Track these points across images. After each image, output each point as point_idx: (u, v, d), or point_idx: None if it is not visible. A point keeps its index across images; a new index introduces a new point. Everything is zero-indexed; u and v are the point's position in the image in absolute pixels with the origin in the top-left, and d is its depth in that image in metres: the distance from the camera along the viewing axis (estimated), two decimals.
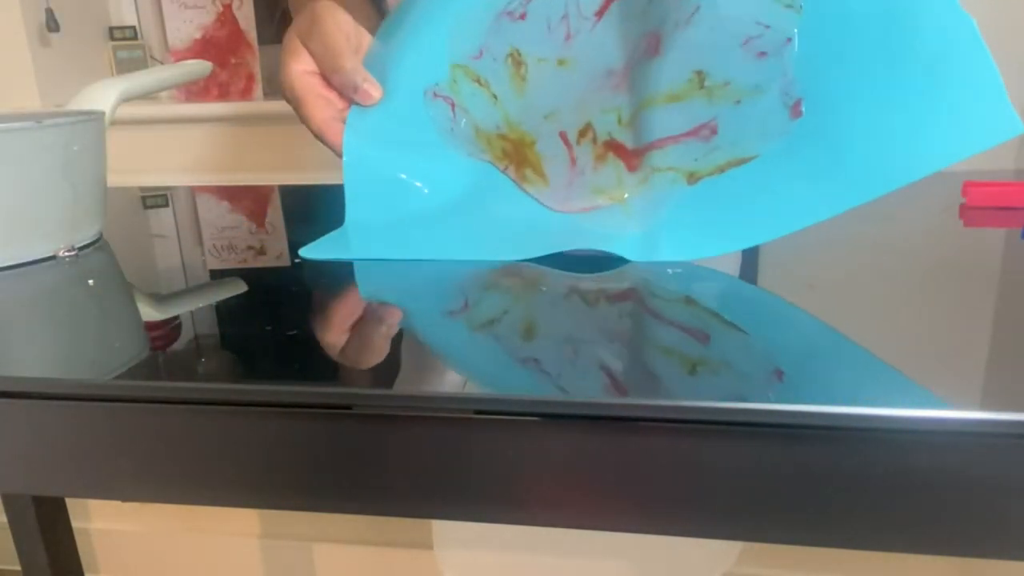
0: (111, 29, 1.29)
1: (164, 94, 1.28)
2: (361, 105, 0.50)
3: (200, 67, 0.63)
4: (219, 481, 0.31)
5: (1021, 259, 0.42)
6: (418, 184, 0.48)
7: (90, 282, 0.43)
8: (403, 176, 0.49)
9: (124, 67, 1.27)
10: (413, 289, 0.41)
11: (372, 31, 0.54)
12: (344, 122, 0.50)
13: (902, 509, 0.26)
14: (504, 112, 0.50)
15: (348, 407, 0.29)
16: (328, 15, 0.51)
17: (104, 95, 0.54)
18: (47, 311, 0.39)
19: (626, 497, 0.28)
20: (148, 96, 0.62)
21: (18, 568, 0.92)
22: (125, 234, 0.57)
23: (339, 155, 0.49)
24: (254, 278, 0.45)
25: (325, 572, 1.39)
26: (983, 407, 0.25)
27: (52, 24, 1.14)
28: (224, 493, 0.31)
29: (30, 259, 0.46)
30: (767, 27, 0.42)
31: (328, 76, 0.51)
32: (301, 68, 0.50)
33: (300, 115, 0.51)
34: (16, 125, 0.44)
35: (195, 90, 1.24)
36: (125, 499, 0.32)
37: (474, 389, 0.29)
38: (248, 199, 0.69)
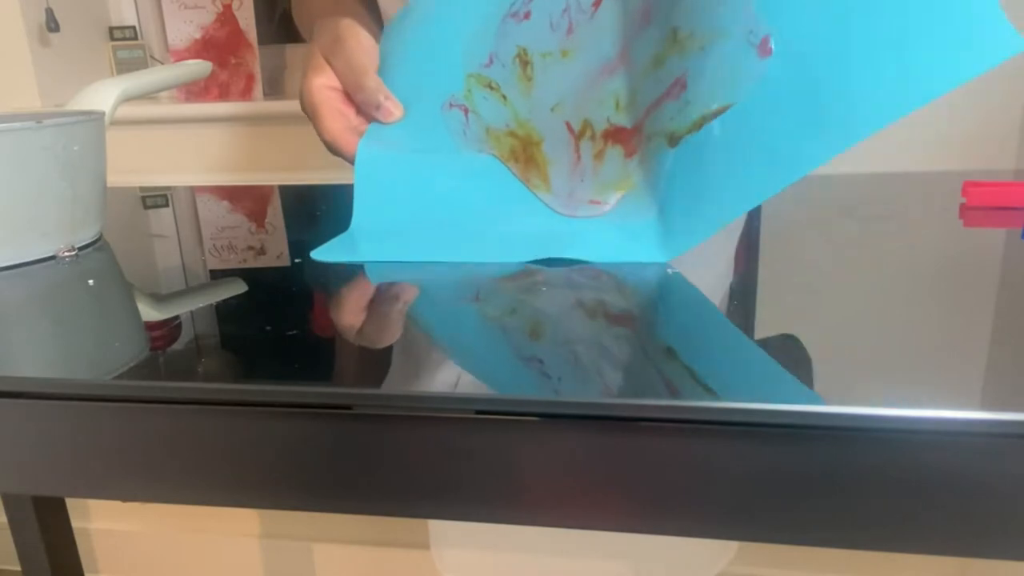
0: (111, 29, 1.29)
1: (164, 94, 1.28)
2: (381, 122, 0.51)
3: (200, 67, 0.63)
4: (219, 481, 0.31)
5: (1021, 259, 0.42)
6: (428, 186, 0.48)
7: (90, 282, 0.43)
8: (414, 178, 0.49)
9: (124, 67, 1.27)
10: (413, 289, 0.41)
11: (376, 39, 0.55)
12: (357, 134, 0.51)
13: (901, 509, 0.26)
14: (513, 110, 0.50)
15: (348, 407, 0.29)
16: (351, 34, 0.52)
17: (104, 95, 0.54)
18: (47, 311, 0.39)
19: (626, 497, 0.28)
20: (148, 96, 0.62)
21: (18, 568, 0.92)
22: (125, 234, 0.57)
23: (351, 163, 0.50)
24: (254, 278, 0.45)
25: (325, 572, 1.39)
26: (983, 407, 0.25)
27: (52, 24, 1.14)
28: (224, 493, 0.31)
29: (30, 259, 0.46)
30: None
31: (351, 93, 0.52)
32: (321, 82, 0.52)
33: (316, 125, 0.52)
34: (16, 125, 0.44)
35: (195, 90, 1.24)
36: (125, 499, 0.32)
37: (474, 389, 0.29)
38: (248, 199, 0.69)
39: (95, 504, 1.44)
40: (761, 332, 0.34)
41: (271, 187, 0.75)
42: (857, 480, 0.26)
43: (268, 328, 0.36)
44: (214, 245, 0.52)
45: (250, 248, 0.50)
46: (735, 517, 0.27)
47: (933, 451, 0.25)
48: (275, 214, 0.62)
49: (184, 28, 1.23)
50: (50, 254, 0.47)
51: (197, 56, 1.20)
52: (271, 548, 1.40)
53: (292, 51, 1.30)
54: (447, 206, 0.47)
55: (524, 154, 0.48)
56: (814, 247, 0.47)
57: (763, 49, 0.39)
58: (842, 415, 0.25)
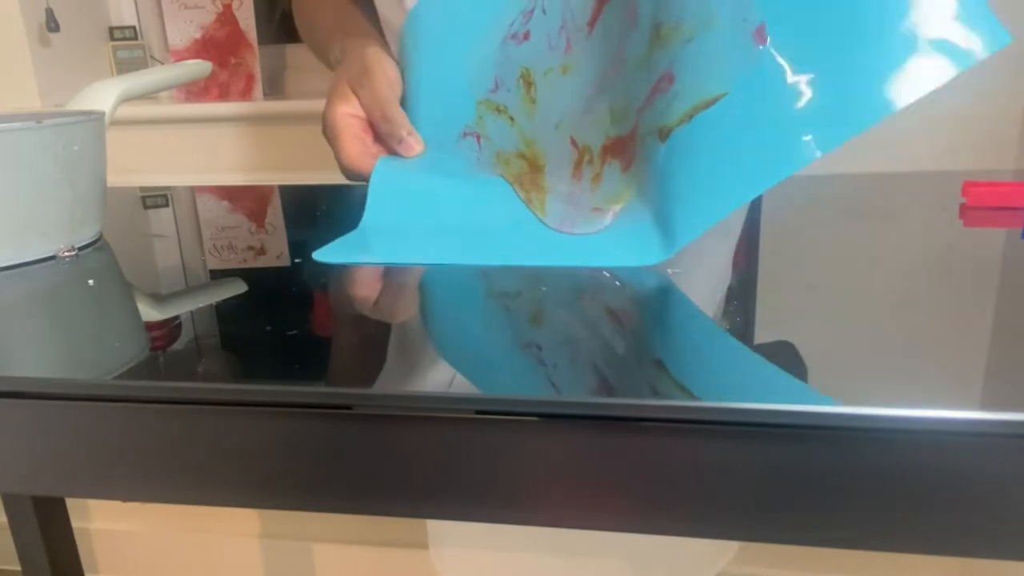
0: (111, 29, 1.29)
1: (164, 94, 1.28)
2: (402, 155, 0.52)
3: (200, 67, 0.63)
4: (219, 481, 0.31)
5: (1021, 259, 0.42)
6: (438, 196, 0.48)
7: (90, 282, 0.43)
8: (425, 188, 0.49)
9: (124, 67, 1.27)
10: (413, 289, 0.41)
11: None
12: (375, 158, 0.52)
13: (901, 509, 0.26)
14: (520, 131, 0.50)
15: (348, 407, 0.29)
16: (379, 66, 0.55)
17: (104, 95, 0.54)
18: (47, 311, 0.39)
19: (626, 497, 0.28)
20: (148, 96, 0.62)
21: (18, 568, 0.92)
22: (125, 234, 0.57)
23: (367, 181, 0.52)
24: (254, 278, 0.45)
25: (325, 572, 1.39)
26: (983, 407, 0.25)
27: (52, 24, 1.14)
28: (224, 493, 0.31)
29: (30, 259, 0.46)
30: None
31: (375, 124, 0.54)
32: (345, 110, 0.54)
33: (335, 149, 0.54)
34: (16, 125, 0.44)
35: (195, 90, 1.24)
36: (125, 499, 0.32)
37: (474, 389, 0.29)
38: (248, 199, 0.69)
39: (95, 504, 1.44)
40: (761, 332, 0.34)
41: (271, 187, 0.75)
42: (857, 480, 0.26)
43: (268, 328, 0.36)
44: (214, 245, 0.52)
45: (250, 248, 0.50)
46: (735, 517, 0.27)
47: (933, 451, 0.25)
48: (275, 214, 0.62)
49: (184, 28, 1.23)
50: (50, 254, 0.47)
51: (197, 56, 1.20)
52: (271, 548, 1.40)
53: (292, 51, 1.30)
54: (453, 214, 0.47)
55: (529, 178, 0.48)
56: (814, 247, 0.47)
57: (759, 36, 0.38)
58: (842, 415, 0.25)
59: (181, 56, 1.23)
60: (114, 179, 0.56)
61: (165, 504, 1.00)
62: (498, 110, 0.52)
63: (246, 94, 1.25)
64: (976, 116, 0.97)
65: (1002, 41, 0.36)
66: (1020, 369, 0.29)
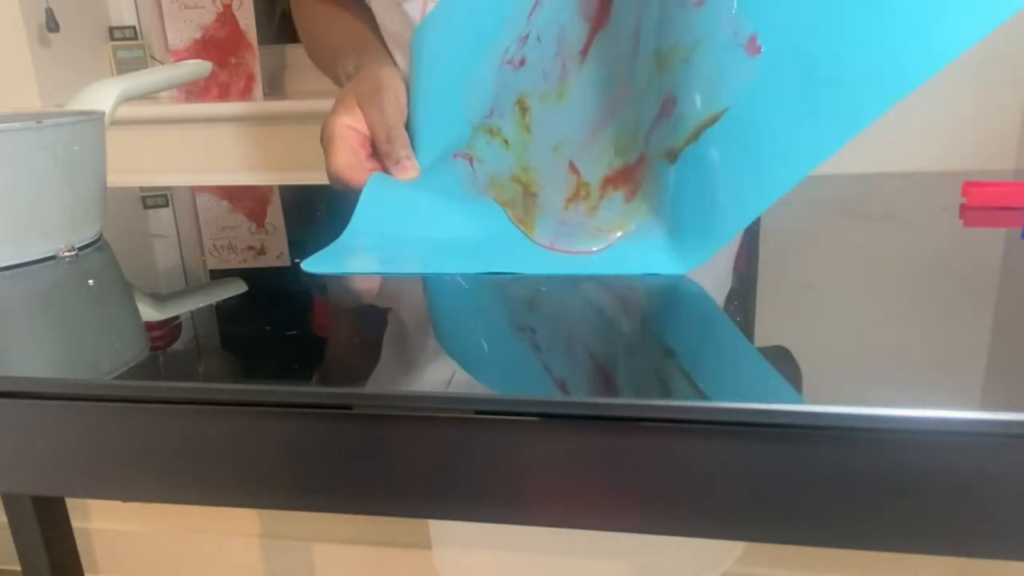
0: (111, 29, 1.29)
1: (164, 94, 1.28)
2: (395, 177, 0.53)
3: (200, 67, 0.63)
4: (219, 481, 0.31)
5: (1021, 259, 0.42)
6: (428, 210, 0.48)
7: (90, 282, 0.43)
8: (416, 203, 0.49)
9: (124, 67, 1.27)
10: (413, 289, 0.41)
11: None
12: (365, 171, 0.53)
13: (901, 509, 0.26)
14: (516, 154, 0.50)
15: (348, 407, 0.29)
16: (390, 87, 0.56)
17: (104, 95, 0.54)
18: (47, 311, 0.39)
19: (626, 497, 0.28)
20: (148, 96, 0.62)
21: (18, 568, 0.92)
22: (125, 234, 0.57)
23: (352, 195, 0.52)
24: (254, 278, 0.45)
25: (325, 572, 1.39)
26: (983, 407, 0.25)
27: (52, 24, 1.14)
28: (224, 493, 0.31)
29: (30, 259, 0.46)
30: None
31: (377, 143, 0.55)
32: (346, 122, 0.55)
33: (328, 155, 0.55)
34: (16, 125, 0.44)
35: (195, 90, 1.24)
36: (125, 499, 0.32)
37: (474, 389, 0.29)
38: (248, 199, 0.69)
39: (95, 504, 1.44)
40: (760, 333, 0.34)
41: (271, 187, 0.75)
42: (857, 480, 0.26)
43: (268, 328, 0.36)
44: (214, 245, 0.52)
45: (250, 248, 0.50)
46: (734, 517, 0.27)
47: (933, 451, 0.25)
48: (275, 214, 0.62)
49: (184, 28, 1.23)
50: (50, 254, 0.47)
51: (197, 56, 1.20)
52: (271, 548, 1.40)
53: (292, 51, 1.30)
54: (442, 227, 0.47)
55: (522, 203, 0.48)
56: (814, 247, 0.47)
57: (751, 48, 0.38)
58: (842, 415, 0.25)
59: (181, 56, 1.23)
60: (114, 179, 0.56)
61: (165, 504, 1.00)
62: (491, 132, 0.52)
63: (246, 94, 1.25)
64: (976, 116, 0.97)
65: (1014, 5, 0.34)
66: (1020, 369, 0.29)
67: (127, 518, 1.44)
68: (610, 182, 0.45)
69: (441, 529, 0.78)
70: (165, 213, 0.64)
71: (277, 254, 0.49)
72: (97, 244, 0.51)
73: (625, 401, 0.27)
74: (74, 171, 0.47)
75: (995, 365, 0.29)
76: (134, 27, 1.30)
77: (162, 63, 1.30)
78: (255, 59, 1.23)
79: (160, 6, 1.23)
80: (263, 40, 1.24)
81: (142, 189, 0.75)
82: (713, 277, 0.41)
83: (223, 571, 1.43)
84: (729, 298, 0.39)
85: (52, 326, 0.37)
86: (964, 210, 0.52)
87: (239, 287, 0.42)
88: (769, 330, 0.34)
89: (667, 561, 0.71)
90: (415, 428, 0.28)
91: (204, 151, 1.22)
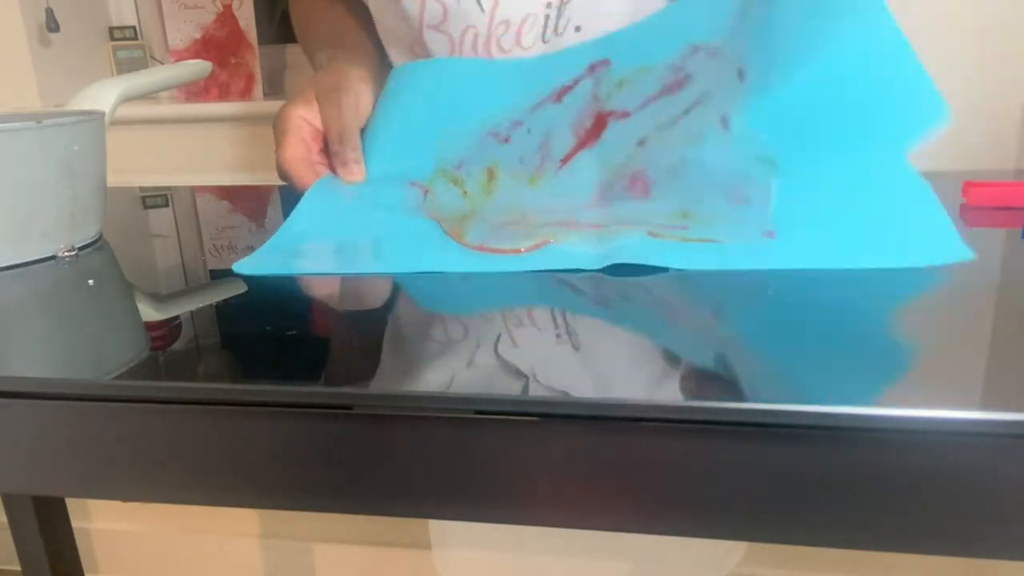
0: (111, 29, 1.29)
1: (164, 94, 1.28)
2: (340, 177, 0.54)
3: (200, 67, 0.63)
4: (219, 481, 0.31)
5: (1021, 259, 0.42)
6: (364, 216, 0.50)
7: (90, 282, 0.43)
8: (354, 208, 0.51)
9: (124, 67, 1.27)
10: (413, 289, 0.41)
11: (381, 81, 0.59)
12: (312, 168, 0.54)
13: (901, 509, 0.26)
14: (472, 204, 0.52)
15: (348, 407, 0.29)
16: (352, 88, 0.56)
17: (104, 95, 0.54)
18: (47, 311, 0.39)
19: (626, 497, 0.28)
20: (148, 96, 0.62)
21: (18, 568, 0.92)
22: (125, 234, 0.57)
23: (296, 190, 0.53)
24: (254, 278, 0.44)
25: (325, 572, 1.39)
26: (983, 407, 0.25)
27: (52, 24, 1.14)
28: (224, 493, 0.31)
29: (30, 259, 0.46)
30: (749, 178, 0.44)
31: (329, 140, 0.55)
32: (300, 113, 0.55)
33: (278, 145, 0.55)
34: (16, 125, 0.44)
35: (195, 90, 1.24)
36: (125, 499, 0.32)
37: (474, 389, 0.29)
38: (248, 199, 0.69)
39: (95, 504, 1.44)
40: (761, 331, 0.34)
41: (271, 187, 0.75)
42: (857, 480, 0.26)
43: (268, 328, 0.36)
44: (214, 245, 0.52)
45: (250, 248, 0.50)
46: (734, 517, 0.27)
47: (933, 451, 0.25)
48: (275, 214, 0.62)
49: (184, 28, 1.23)
50: (50, 254, 0.47)
51: (197, 56, 1.20)
52: (271, 548, 1.40)
53: (292, 51, 1.30)
54: (374, 232, 0.48)
55: (459, 222, 0.48)
56: None
57: (769, 235, 0.42)
58: (842, 415, 0.25)
59: (181, 56, 1.23)
60: (114, 179, 0.56)
61: (165, 504, 1.00)
62: (455, 180, 0.54)
63: (246, 94, 1.25)
64: (976, 116, 0.97)
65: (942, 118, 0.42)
66: (1020, 369, 0.29)
67: (127, 518, 1.44)
68: (561, 224, 0.47)
69: (440, 529, 0.78)
70: (165, 213, 0.64)
71: None
72: (97, 244, 0.51)
73: (625, 401, 0.27)
74: (74, 171, 0.47)
75: (995, 365, 0.29)
76: (134, 27, 1.30)
77: (162, 63, 1.30)
78: (255, 59, 1.23)
79: (160, 6, 1.23)
80: (263, 40, 1.24)
81: (142, 189, 0.75)
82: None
83: (223, 571, 1.43)
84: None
85: (52, 326, 0.37)
86: (964, 210, 0.52)
87: (239, 287, 0.42)
88: (769, 329, 0.34)
89: (668, 562, 0.71)
90: (415, 428, 0.28)
91: (204, 151, 1.22)
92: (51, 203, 0.47)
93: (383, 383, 0.30)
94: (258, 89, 1.25)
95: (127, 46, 1.28)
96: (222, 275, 0.46)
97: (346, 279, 0.43)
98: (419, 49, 0.60)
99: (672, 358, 0.31)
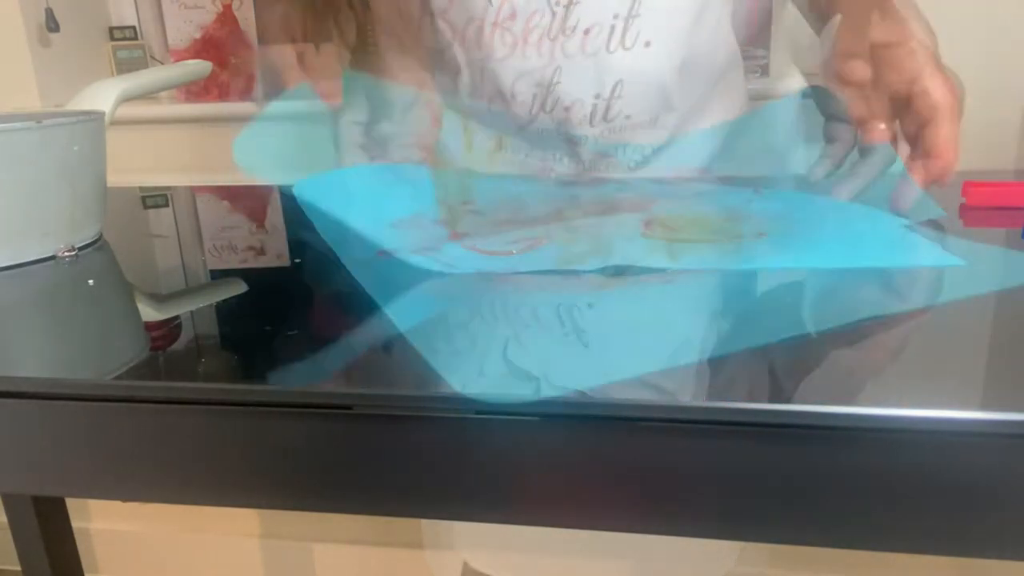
0: (111, 29, 1.29)
1: (164, 94, 1.28)
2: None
3: (200, 67, 0.62)
4: (219, 481, 0.31)
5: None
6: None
7: (90, 282, 0.43)
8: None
9: (124, 67, 1.27)
10: (413, 289, 0.41)
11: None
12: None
13: (901, 509, 0.26)
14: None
15: (348, 407, 0.29)
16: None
17: (104, 95, 0.54)
18: (47, 311, 0.39)
19: (626, 497, 0.28)
20: (148, 96, 0.62)
21: (18, 568, 0.92)
22: (125, 234, 0.57)
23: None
24: (254, 278, 0.45)
25: (325, 572, 1.39)
26: (983, 407, 0.25)
27: (52, 24, 1.14)
28: (224, 493, 0.31)
29: (30, 259, 0.46)
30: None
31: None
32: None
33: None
34: (16, 125, 0.44)
35: (195, 90, 1.24)
36: (125, 499, 0.32)
37: (475, 389, 0.29)
38: (248, 199, 0.69)
39: (95, 504, 1.44)
40: (759, 331, 0.34)
41: (271, 187, 0.75)
42: (857, 480, 0.26)
43: (268, 328, 0.36)
44: (214, 245, 0.52)
45: (250, 248, 0.50)
46: (735, 517, 0.27)
47: (933, 451, 0.25)
48: (275, 214, 0.62)
49: (184, 28, 1.23)
50: (50, 254, 0.47)
51: (197, 56, 1.20)
52: (271, 548, 1.40)
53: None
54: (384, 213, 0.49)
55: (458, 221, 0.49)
56: None
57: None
58: (842, 415, 0.25)
59: (181, 56, 1.23)
60: (114, 179, 0.56)
61: (165, 504, 1.00)
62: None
63: (246, 94, 1.25)
64: (976, 116, 0.97)
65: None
66: (1020, 369, 0.29)
67: (127, 518, 1.44)
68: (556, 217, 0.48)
69: (433, 530, 0.78)
70: (165, 213, 0.64)
71: (277, 254, 0.49)
72: (97, 244, 0.51)
73: (625, 401, 0.27)
74: (74, 171, 0.47)
75: (995, 365, 0.29)
76: (134, 27, 1.30)
77: (162, 63, 1.30)
78: (255, 59, 1.23)
79: (160, 6, 1.23)
80: (263, 40, 1.24)
81: (142, 189, 0.75)
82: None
83: (223, 571, 1.43)
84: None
85: (52, 326, 0.37)
86: (964, 210, 0.52)
87: (239, 287, 0.42)
88: (768, 329, 0.34)
89: (667, 561, 0.71)
90: (415, 428, 0.28)
91: (204, 151, 1.22)
92: (51, 203, 0.47)
93: (385, 383, 0.30)
94: (258, 89, 1.25)
95: (127, 46, 1.28)
96: (222, 275, 0.46)
97: (347, 279, 0.42)
98: (408, 40, 0.60)
99: (672, 358, 0.31)
